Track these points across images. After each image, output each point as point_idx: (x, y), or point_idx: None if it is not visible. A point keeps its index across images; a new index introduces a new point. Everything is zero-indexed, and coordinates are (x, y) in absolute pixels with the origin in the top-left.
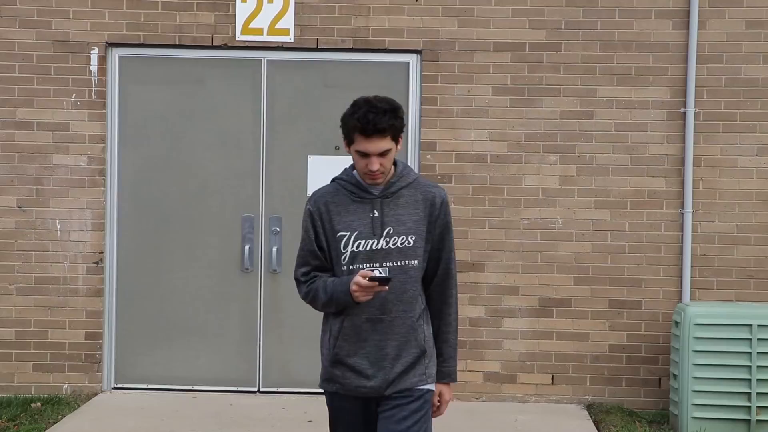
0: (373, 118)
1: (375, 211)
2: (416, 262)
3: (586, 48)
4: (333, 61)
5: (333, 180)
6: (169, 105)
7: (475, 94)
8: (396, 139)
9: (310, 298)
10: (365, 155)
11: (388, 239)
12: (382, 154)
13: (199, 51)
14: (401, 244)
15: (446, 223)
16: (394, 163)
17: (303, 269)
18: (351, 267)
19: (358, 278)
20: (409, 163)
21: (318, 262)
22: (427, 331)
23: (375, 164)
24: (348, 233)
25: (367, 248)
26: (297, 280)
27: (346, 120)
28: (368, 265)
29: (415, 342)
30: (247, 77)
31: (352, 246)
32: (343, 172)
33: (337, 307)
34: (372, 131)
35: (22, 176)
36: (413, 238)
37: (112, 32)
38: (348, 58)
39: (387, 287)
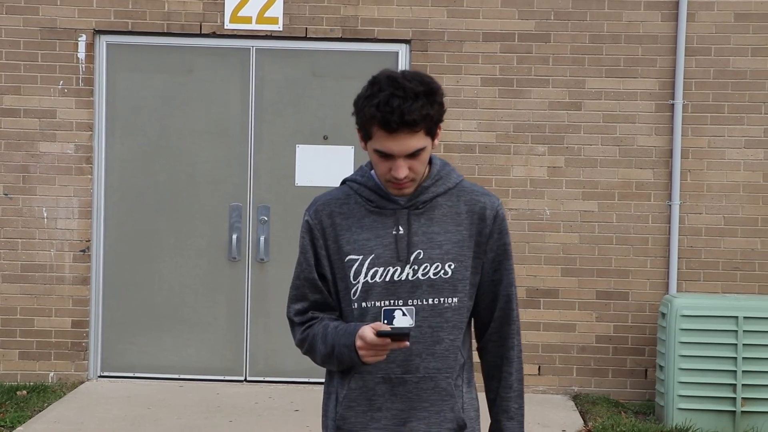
0: (399, 106)
1: (399, 227)
2: (455, 300)
3: (575, 39)
4: (322, 51)
5: (344, 182)
6: (157, 93)
7: (464, 84)
8: (432, 134)
9: (306, 347)
10: (389, 156)
11: (416, 267)
12: (413, 155)
13: (188, 39)
14: (434, 274)
15: (503, 245)
16: (429, 161)
17: (298, 306)
18: (364, 305)
19: (365, 331)
20: None
21: (318, 296)
22: (468, 396)
23: (402, 170)
24: (360, 257)
25: (387, 279)
26: (290, 320)
27: (360, 105)
28: (387, 302)
29: (451, 413)
30: (236, 66)
31: (366, 275)
32: (358, 172)
33: (340, 366)
34: (398, 125)
35: (8, 163)
36: (452, 267)
37: (99, 19)
38: (337, 47)
39: (407, 342)
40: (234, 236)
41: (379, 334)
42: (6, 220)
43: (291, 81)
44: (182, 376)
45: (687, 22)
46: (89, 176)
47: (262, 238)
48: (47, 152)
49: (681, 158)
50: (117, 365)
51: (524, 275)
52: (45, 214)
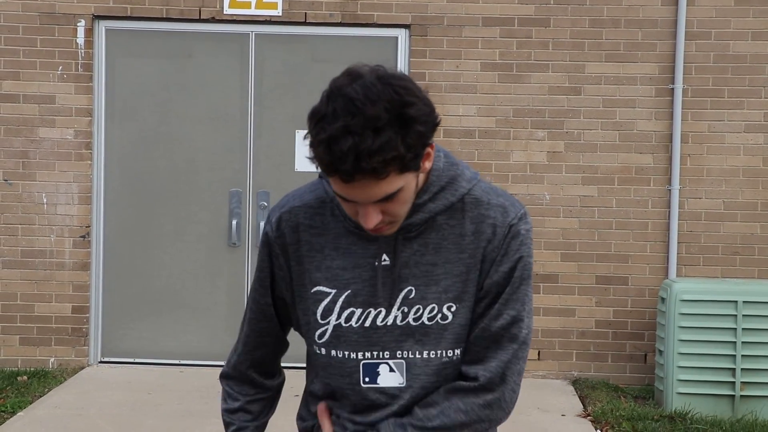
0: (354, 147)
1: (385, 256)
2: (458, 352)
3: (575, 24)
4: (321, 36)
5: (320, 177)
6: (156, 79)
7: (464, 69)
8: (414, 166)
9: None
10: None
11: (406, 309)
12: (386, 198)
13: (187, 24)
14: (429, 319)
15: (509, 270)
16: (429, 156)
17: (234, 359)
18: (334, 353)
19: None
20: None
21: (268, 326)
22: None
23: (371, 218)
24: (333, 291)
25: (367, 324)
26: (221, 378)
27: (310, 129)
28: (367, 354)
29: None
30: (235, 51)
31: (339, 316)
32: None
33: None
34: (352, 175)
35: (8, 149)
36: (452, 309)
37: (98, 4)
38: (336, 32)
39: None
40: (234, 222)
41: None
42: (6, 206)
43: (290, 66)
44: (183, 362)
45: (687, 6)
46: (89, 162)
47: (261, 224)
48: (47, 138)
49: (681, 143)
50: (117, 351)
51: None
52: (45, 200)
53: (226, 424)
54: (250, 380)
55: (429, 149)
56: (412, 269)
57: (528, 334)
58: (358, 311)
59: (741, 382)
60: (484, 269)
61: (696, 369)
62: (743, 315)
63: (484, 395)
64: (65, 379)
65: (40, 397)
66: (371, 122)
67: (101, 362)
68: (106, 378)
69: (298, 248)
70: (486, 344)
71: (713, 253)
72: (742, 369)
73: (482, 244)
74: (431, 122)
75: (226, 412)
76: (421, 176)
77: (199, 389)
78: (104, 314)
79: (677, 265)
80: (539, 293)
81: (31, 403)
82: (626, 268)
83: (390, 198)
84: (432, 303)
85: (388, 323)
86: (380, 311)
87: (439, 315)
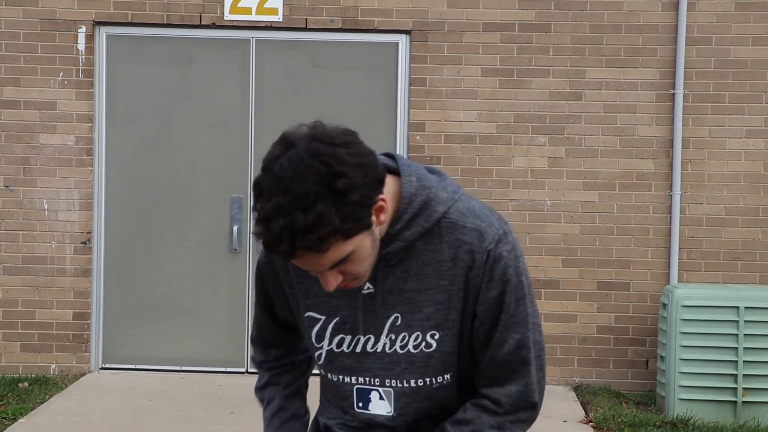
0: (286, 228)
1: (368, 284)
2: (447, 376)
3: (576, 29)
4: (322, 41)
5: None
6: (157, 85)
7: (464, 74)
8: (359, 229)
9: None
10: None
11: (393, 336)
12: (340, 263)
13: (188, 30)
14: (415, 347)
15: (498, 296)
16: (398, 173)
17: (257, 351)
18: (330, 376)
19: None
20: (397, 147)
21: (273, 330)
22: None
23: (331, 282)
24: (323, 317)
25: (358, 350)
26: (253, 361)
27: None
28: (359, 379)
29: None
30: (236, 57)
31: (331, 341)
32: None
33: None
34: (291, 255)
35: (9, 155)
36: (435, 337)
37: (99, 11)
38: (337, 38)
39: None
40: (235, 228)
41: None
42: (7, 212)
43: (291, 72)
44: (183, 368)
45: (687, 11)
46: (90, 168)
47: None
48: (48, 144)
49: (682, 148)
50: (118, 357)
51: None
52: (46, 206)
53: (260, 402)
54: (273, 343)
55: (380, 203)
56: (397, 296)
57: (539, 348)
58: (348, 338)
59: (743, 388)
60: (470, 296)
61: (698, 375)
62: (745, 321)
63: (514, 414)
64: (66, 386)
65: (41, 403)
66: (301, 201)
67: (102, 368)
68: (107, 384)
69: (287, 273)
70: (499, 370)
71: (714, 259)
72: (744, 375)
73: (462, 271)
74: (369, 185)
75: (257, 390)
76: (393, 204)
77: (200, 395)
78: (105, 320)
79: (678, 270)
80: (541, 299)
81: (32, 410)
82: (627, 274)
83: (343, 261)
84: (417, 330)
85: (378, 350)
86: (369, 338)
87: (423, 343)
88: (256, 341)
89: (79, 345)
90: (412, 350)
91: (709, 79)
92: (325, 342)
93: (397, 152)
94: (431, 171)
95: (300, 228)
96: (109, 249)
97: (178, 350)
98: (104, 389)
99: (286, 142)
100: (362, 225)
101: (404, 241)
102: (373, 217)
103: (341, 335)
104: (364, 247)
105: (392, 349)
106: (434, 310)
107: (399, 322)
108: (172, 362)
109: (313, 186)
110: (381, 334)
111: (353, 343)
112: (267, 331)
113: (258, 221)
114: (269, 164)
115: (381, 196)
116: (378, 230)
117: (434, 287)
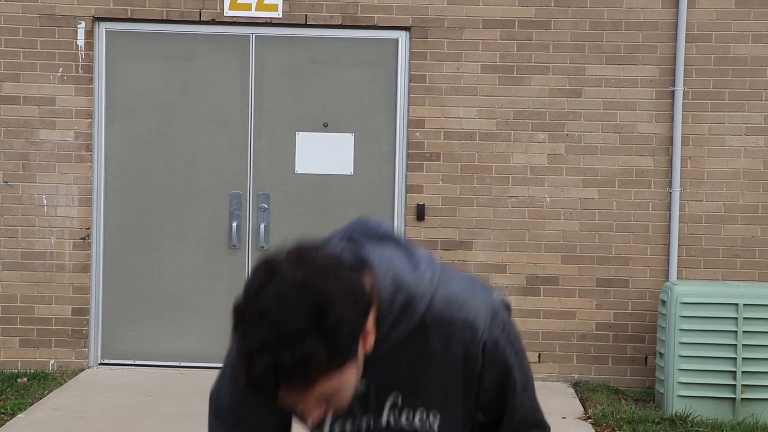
0: (271, 368)
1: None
2: None
3: (576, 26)
4: (322, 38)
5: None
6: (156, 80)
7: (464, 71)
8: (347, 360)
9: None
10: None
11: (396, 413)
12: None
13: (187, 26)
14: (421, 423)
15: (501, 375)
16: (371, 269)
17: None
18: None
19: None
20: (397, 143)
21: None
22: None
23: (313, 415)
24: None
25: (362, 430)
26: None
27: (233, 332)
28: None
29: None
30: (235, 53)
31: (331, 427)
32: None
33: None
34: (275, 396)
35: (8, 151)
36: (438, 416)
37: (99, 6)
38: (337, 34)
39: None
40: (234, 224)
41: None
42: (6, 208)
43: (291, 68)
44: (182, 364)
45: (687, 8)
46: (89, 164)
47: (262, 226)
48: (47, 140)
49: (681, 145)
50: (117, 353)
51: (524, 263)
52: (45, 202)
53: None
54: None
55: (366, 328)
56: (393, 381)
57: (534, 391)
58: (344, 420)
59: (742, 384)
60: (470, 382)
61: (697, 372)
62: (744, 318)
63: None
64: (65, 381)
65: (40, 399)
66: (287, 337)
67: (101, 364)
68: (106, 380)
69: None
70: (519, 429)
71: (714, 256)
72: (742, 372)
73: (458, 362)
74: (358, 314)
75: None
76: (374, 311)
77: (199, 391)
78: (104, 316)
79: (678, 267)
80: (540, 296)
81: (30, 405)
82: (627, 271)
83: (329, 395)
84: (420, 407)
85: (381, 425)
86: (368, 417)
87: (428, 421)
88: (221, 415)
89: (78, 340)
90: (418, 426)
91: (709, 76)
92: (326, 427)
93: (397, 149)
94: (401, 249)
95: (286, 367)
96: (108, 245)
97: (177, 346)
98: (103, 385)
99: (269, 267)
100: (350, 356)
101: (392, 341)
102: (360, 343)
103: (340, 419)
104: (350, 377)
105: (397, 426)
106: (434, 394)
107: (400, 400)
108: (171, 358)
109: (302, 321)
110: (383, 410)
111: (357, 425)
112: (235, 425)
113: (240, 356)
114: (253, 293)
115: (366, 326)
116: (352, 380)
117: (429, 374)
